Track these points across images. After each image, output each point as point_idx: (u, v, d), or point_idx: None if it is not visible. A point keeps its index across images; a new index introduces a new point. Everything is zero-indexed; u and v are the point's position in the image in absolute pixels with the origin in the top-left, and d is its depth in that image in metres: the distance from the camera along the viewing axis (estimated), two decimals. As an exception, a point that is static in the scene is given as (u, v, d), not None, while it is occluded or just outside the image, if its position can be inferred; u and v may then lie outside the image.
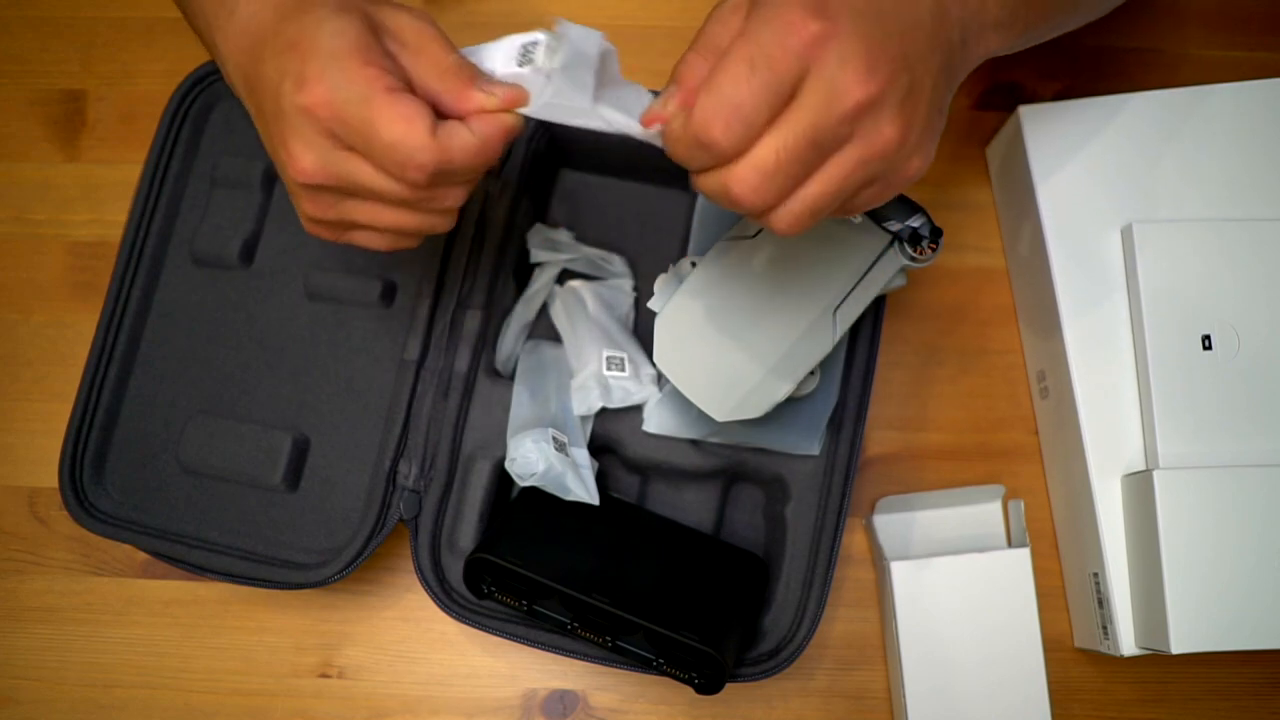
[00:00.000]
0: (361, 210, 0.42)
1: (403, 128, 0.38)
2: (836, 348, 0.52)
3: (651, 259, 0.62)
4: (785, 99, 0.35)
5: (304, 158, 0.40)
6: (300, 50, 0.39)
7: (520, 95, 0.40)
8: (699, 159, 0.36)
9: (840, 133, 0.35)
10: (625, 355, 0.57)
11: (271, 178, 0.63)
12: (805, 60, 0.34)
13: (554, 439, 0.53)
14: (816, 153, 0.36)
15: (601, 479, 0.56)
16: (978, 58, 0.43)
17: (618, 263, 0.62)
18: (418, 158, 0.38)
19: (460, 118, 0.40)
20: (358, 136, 0.38)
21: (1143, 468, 0.56)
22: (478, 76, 0.40)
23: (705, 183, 0.37)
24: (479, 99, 0.39)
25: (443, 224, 0.44)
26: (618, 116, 0.39)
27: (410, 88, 0.39)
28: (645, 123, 0.38)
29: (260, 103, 0.41)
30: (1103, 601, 0.56)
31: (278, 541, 0.58)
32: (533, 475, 0.52)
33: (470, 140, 0.39)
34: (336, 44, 0.38)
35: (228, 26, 0.43)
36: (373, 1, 0.41)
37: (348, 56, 0.38)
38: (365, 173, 0.40)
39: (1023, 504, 0.60)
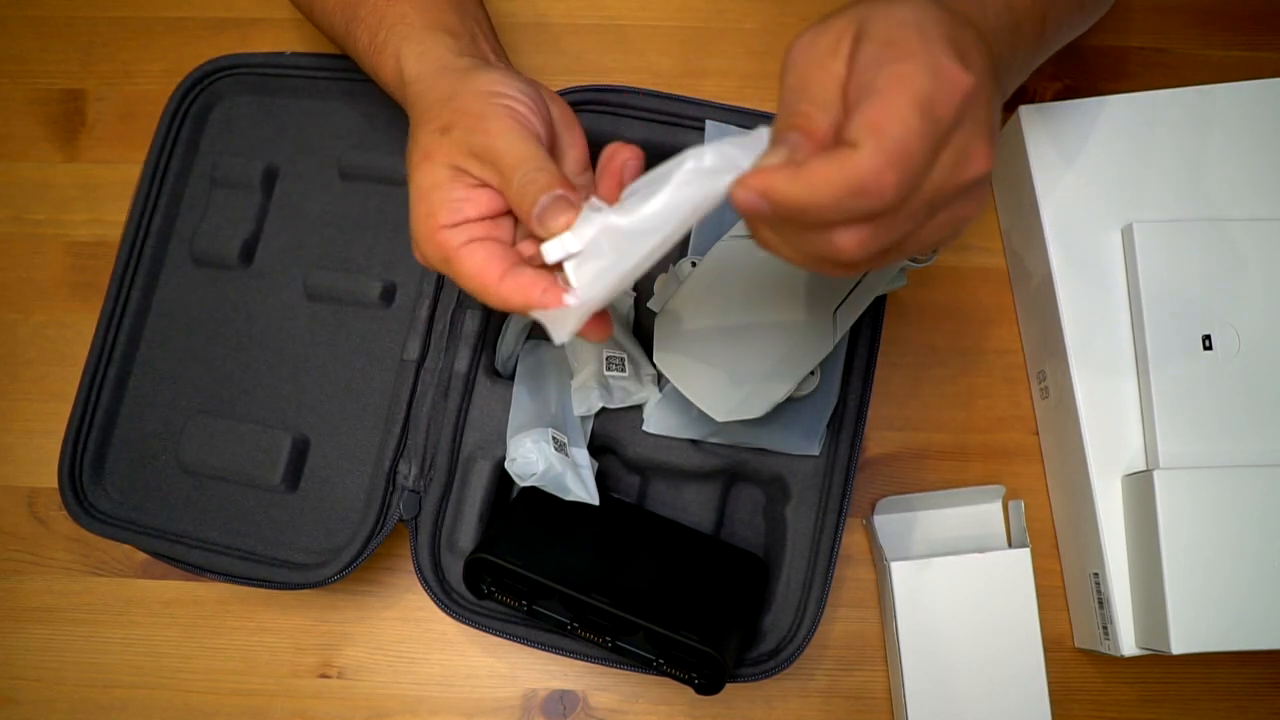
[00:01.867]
0: None
1: (474, 272, 0.41)
2: (836, 348, 0.52)
3: (651, 259, 0.62)
4: (940, 150, 0.33)
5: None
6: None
7: (550, 295, 0.40)
8: (848, 208, 0.32)
9: (958, 194, 0.34)
10: (625, 355, 0.57)
11: (271, 178, 0.63)
12: (960, 114, 0.33)
13: (554, 439, 0.53)
14: (944, 203, 0.34)
15: (601, 479, 0.56)
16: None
17: (618, 263, 0.62)
18: (485, 297, 0.42)
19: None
20: (444, 268, 0.43)
21: (1143, 468, 0.56)
22: (543, 216, 0.40)
23: (845, 238, 0.34)
24: (528, 249, 0.41)
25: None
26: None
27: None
28: (760, 178, 0.34)
29: None
30: (1103, 601, 0.56)
31: (277, 541, 0.57)
32: (533, 475, 0.52)
33: (518, 299, 0.41)
34: (414, 209, 0.43)
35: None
36: (468, 130, 0.43)
37: (422, 220, 0.43)
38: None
39: (1023, 504, 0.60)
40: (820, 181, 0.32)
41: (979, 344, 0.65)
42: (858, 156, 0.31)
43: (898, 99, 0.32)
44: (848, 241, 0.33)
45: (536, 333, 0.61)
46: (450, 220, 0.42)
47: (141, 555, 0.63)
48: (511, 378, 0.57)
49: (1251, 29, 0.69)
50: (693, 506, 0.59)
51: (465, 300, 0.58)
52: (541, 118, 0.44)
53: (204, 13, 0.70)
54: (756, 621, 0.56)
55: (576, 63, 0.69)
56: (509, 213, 0.43)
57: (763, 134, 0.36)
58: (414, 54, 0.48)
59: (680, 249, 0.61)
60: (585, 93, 0.59)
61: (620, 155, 0.42)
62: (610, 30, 0.69)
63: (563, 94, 0.59)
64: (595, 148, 0.61)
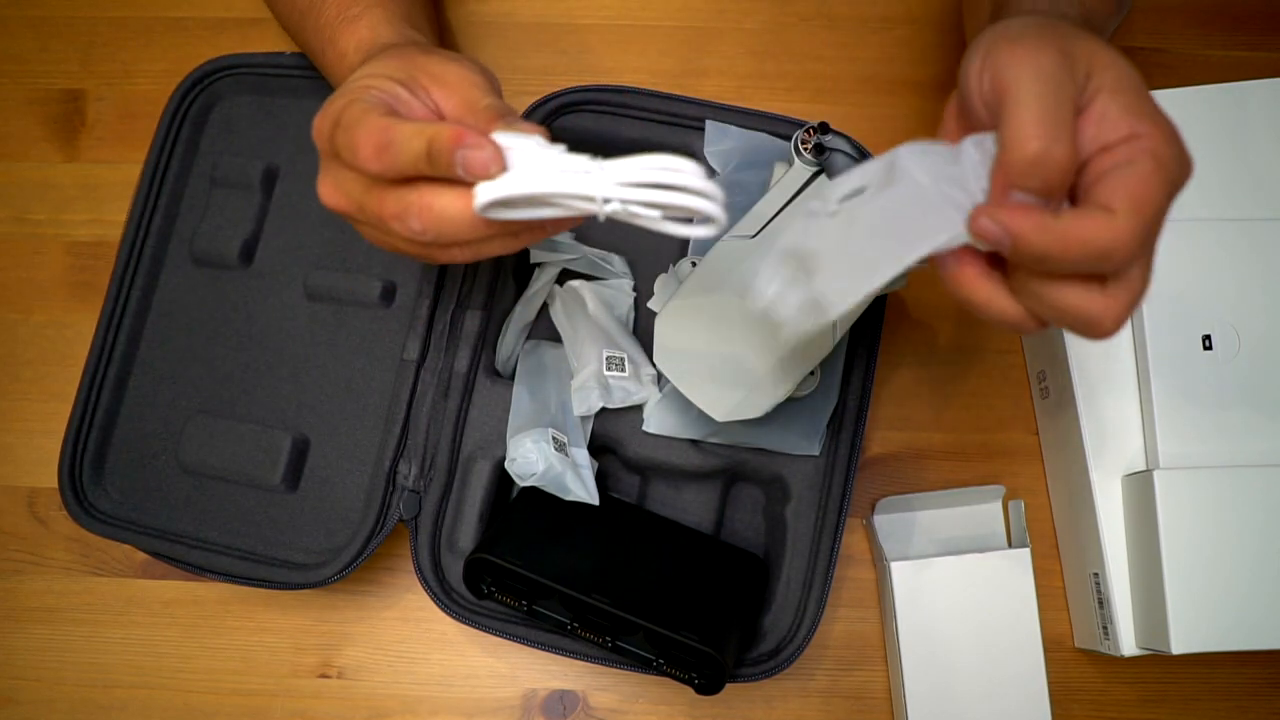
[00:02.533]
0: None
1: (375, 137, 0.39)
2: (837, 348, 0.52)
3: (651, 259, 0.62)
4: None
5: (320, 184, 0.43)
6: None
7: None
8: (1087, 265, 0.35)
9: None
10: (625, 355, 0.57)
11: (271, 178, 0.63)
12: None
13: (554, 439, 0.53)
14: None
15: (601, 479, 0.56)
16: None
17: (617, 263, 0.61)
18: (362, 154, 0.39)
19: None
20: (346, 152, 0.40)
21: (1143, 468, 0.56)
22: (503, 117, 0.40)
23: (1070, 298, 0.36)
24: (496, 129, 0.39)
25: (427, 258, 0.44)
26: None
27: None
28: (1001, 221, 0.35)
29: None
30: (1103, 601, 0.56)
31: (277, 541, 0.57)
32: (533, 475, 0.52)
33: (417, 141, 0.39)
34: (350, 79, 0.43)
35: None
36: (426, 53, 0.44)
37: (354, 82, 0.42)
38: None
39: (1023, 504, 0.60)
40: (1074, 238, 0.34)
41: (979, 344, 0.65)
42: (1116, 223, 0.34)
43: (1158, 178, 0.35)
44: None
45: (537, 333, 0.61)
46: (379, 93, 0.41)
47: (141, 555, 0.63)
48: (511, 378, 0.57)
49: (1251, 29, 0.69)
50: (693, 506, 0.59)
51: (465, 300, 0.58)
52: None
53: (204, 13, 0.70)
54: (756, 621, 0.56)
55: (576, 63, 0.69)
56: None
57: (980, 148, 0.36)
58: (390, 31, 0.50)
59: (680, 249, 0.61)
60: (585, 93, 0.59)
61: None
62: (610, 30, 0.69)
63: (563, 94, 0.59)
64: (596, 148, 0.61)
